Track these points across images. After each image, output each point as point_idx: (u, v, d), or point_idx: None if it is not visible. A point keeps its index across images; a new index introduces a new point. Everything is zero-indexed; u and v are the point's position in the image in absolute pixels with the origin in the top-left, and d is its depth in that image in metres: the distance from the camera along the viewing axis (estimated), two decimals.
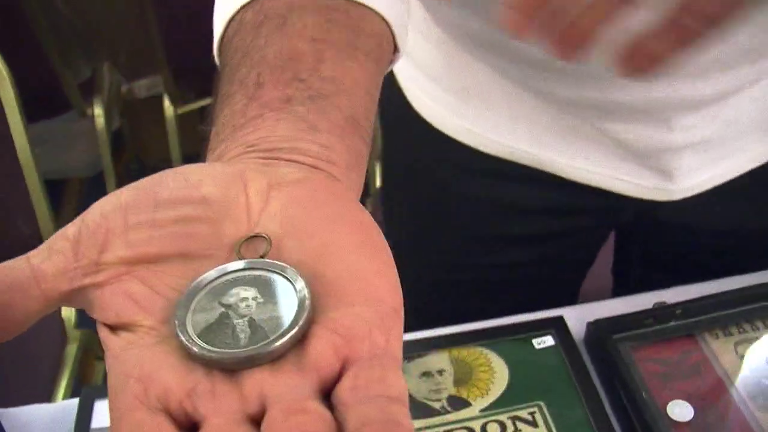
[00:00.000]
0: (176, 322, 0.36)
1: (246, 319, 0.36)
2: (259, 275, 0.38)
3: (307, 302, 0.36)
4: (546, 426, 0.73)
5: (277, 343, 0.35)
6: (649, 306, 0.82)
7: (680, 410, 0.73)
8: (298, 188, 0.41)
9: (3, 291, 0.36)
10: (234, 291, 0.38)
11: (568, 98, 0.78)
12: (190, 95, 2.19)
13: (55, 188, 2.47)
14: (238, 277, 0.38)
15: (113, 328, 0.37)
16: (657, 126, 0.78)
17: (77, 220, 0.39)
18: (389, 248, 0.40)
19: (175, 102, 2.15)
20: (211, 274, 0.38)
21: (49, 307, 0.38)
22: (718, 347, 0.79)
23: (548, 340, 0.81)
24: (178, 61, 2.07)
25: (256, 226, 0.40)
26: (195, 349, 0.35)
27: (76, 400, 0.80)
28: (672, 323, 0.81)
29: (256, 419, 0.33)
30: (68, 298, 0.38)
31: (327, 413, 0.32)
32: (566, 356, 0.79)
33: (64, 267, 0.37)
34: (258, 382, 0.34)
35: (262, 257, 0.39)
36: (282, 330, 0.35)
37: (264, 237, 0.40)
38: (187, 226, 0.39)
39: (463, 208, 0.95)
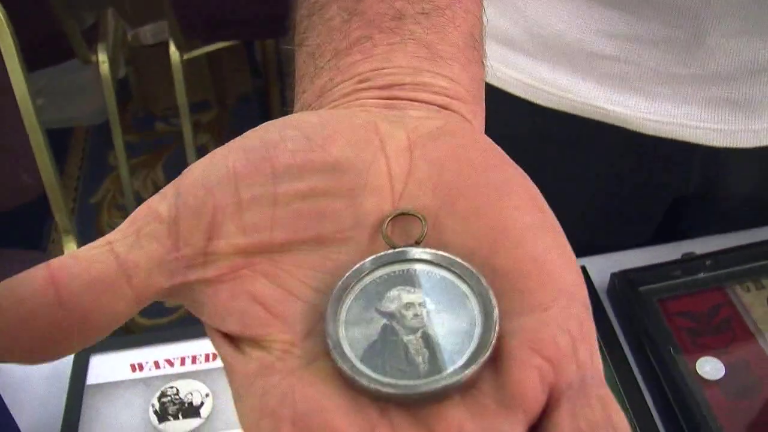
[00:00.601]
0: (329, 341, 0.29)
1: (418, 334, 0.30)
2: (421, 270, 0.31)
3: (496, 310, 0.29)
4: None
5: (470, 370, 0.28)
6: (677, 256, 0.79)
7: (711, 368, 0.70)
8: (441, 143, 0.34)
9: (84, 291, 0.29)
10: (393, 294, 0.31)
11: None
12: (197, 41, 2.13)
13: (60, 137, 2.44)
14: (393, 273, 0.31)
15: (234, 341, 0.31)
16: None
17: (169, 192, 0.31)
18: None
19: (181, 47, 2.08)
20: (364, 266, 0.31)
21: (140, 306, 0.31)
22: (750, 301, 0.75)
23: None
24: (183, 5, 2.01)
25: (403, 199, 0.33)
26: (363, 381, 0.28)
27: (71, 356, 0.76)
28: (701, 275, 0.77)
29: None
30: (168, 294, 0.31)
31: None
32: None
33: (161, 257, 0.30)
34: (453, 424, 0.28)
35: (417, 243, 0.32)
36: (471, 350, 0.29)
37: (417, 216, 0.32)
38: (318, 201, 0.32)
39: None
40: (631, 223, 0.87)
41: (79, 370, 0.76)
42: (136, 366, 0.77)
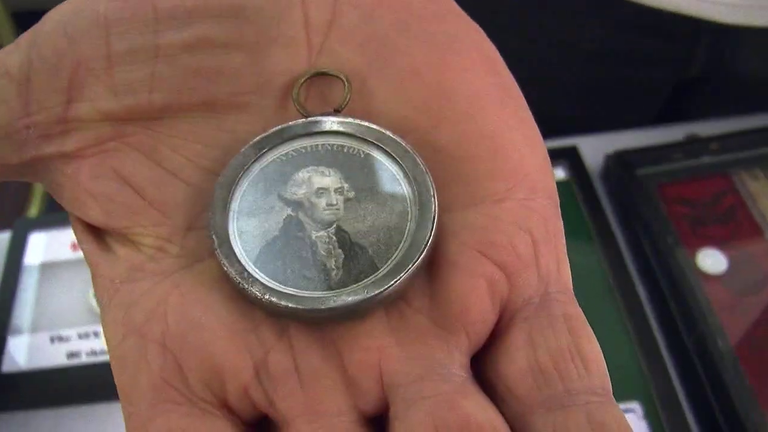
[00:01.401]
0: (213, 236, 0.25)
1: (332, 230, 0.25)
2: (340, 146, 0.27)
3: (435, 201, 0.25)
4: None
5: (398, 279, 0.24)
6: (679, 138, 0.74)
7: (712, 261, 0.65)
8: None
9: None
10: (302, 176, 0.26)
11: None
12: None
13: (29, 22, 2.33)
14: (303, 150, 0.27)
15: (99, 234, 0.27)
16: None
17: (23, 42, 0.26)
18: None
19: None
20: (265, 140, 0.26)
21: None
22: (757, 189, 0.70)
23: (559, 173, 0.72)
24: None
25: (322, 55, 0.27)
26: (256, 290, 0.24)
27: (8, 233, 0.74)
28: (705, 159, 0.72)
29: (370, 418, 0.24)
30: (18, 173, 0.27)
31: (500, 420, 0.22)
32: (579, 192, 0.71)
33: (8, 124, 0.26)
34: (371, 351, 0.24)
35: (337, 112, 0.27)
36: (401, 253, 0.25)
37: (338, 77, 0.27)
38: (212, 55, 0.27)
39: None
40: (630, 102, 0.83)
41: (17, 248, 0.72)
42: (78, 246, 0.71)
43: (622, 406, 0.58)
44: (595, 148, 0.74)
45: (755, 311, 0.62)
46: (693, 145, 0.72)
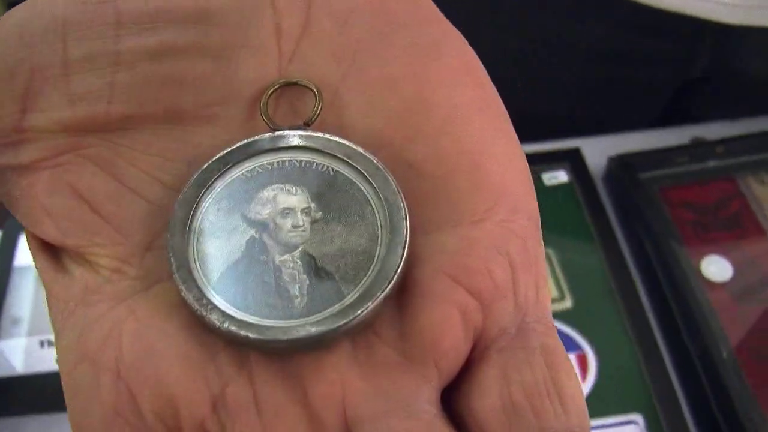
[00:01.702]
0: (172, 258, 0.24)
1: (297, 254, 0.24)
2: (308, 163, 0.25)
3: (406, 222, 0.24)
4: (553, 276, 0.64)
5: (366, 308, 0.23)
6: (684, 141, 0.73)
7: (716, 268, 0.64)
8: None
9: None
10: (267, 195, 0.25)
11: None
12: None
13: None
14: (269, 166, 0.25)
15: (55, 252, 0.25)
16: None
17: None
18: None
19: None
20: (230, 155, 0.25)
21: None
22: (764, 194, 0.69)
23: (561, 176, 0.71)
24: None
25: (293, 64, 0.26)
26: (215, 318, 0.23)
27: None
28: (710, 163, 0.71)
29: None
30: None
31: None
32: (582, 196, 0.69)
33: None
34: (335, 385, 0.22)
35: (306, 125, 0.26)
36: (369, 279, 0.23)
37: (309, 87, 0.26)
38: (176, 63, 0.25)
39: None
40: (632, 104, 0.81)
41: (8, 249, 0.71)
42: None
43: (623, 418, 0.57)
44: (597, 150, 0.73)
45: (761, 321, 0.61)
46: (698, 149, 0.71)
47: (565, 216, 0.68)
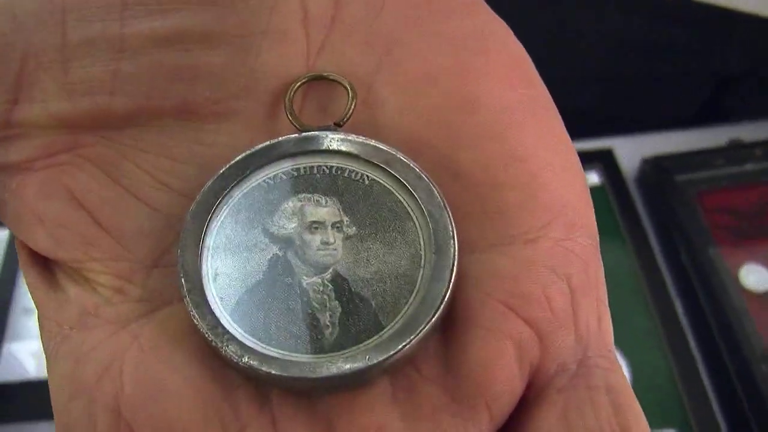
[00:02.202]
0: (183, 278, 0.21)
1: (327, 276, 0.22)
2: (341, 170, 0.23)
3: (454, 243, 0.21)
4: None
5: (407, 342, 0.20)
6: (722, 143, 0.71)
7: (756, 278, 0.61)
8: None
9: None
10: (292, 206, 0.22)
11: None
12: None
13: None
14: (296, 172, 0.23)
15: (48, 266, 0.23)
16: None
17: None
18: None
19: None
20: (251, 158, 0.23)
21: None
22: None
23: (592, 178, 0.69)
24: None
25: (322, 55, 0.24)
26: (232, 350, 0.20)
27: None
28: (748, 166, 0.69)
29: None
30: None
31: None
32: (614, 198, 0.68)
33: None
34: (372, 430, 0.20)
35: (338, 126, 0.23)
36: (411, 308, 0.21)
37: (341, 82, 0.23)
38: (187, 51, 0.23)
39: None
40: (667, 101, 0.80)
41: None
42: None
43: None
44: (630, 151, 0.71)
45: None
46: (736, 151, 0.70)
47: (597, 220, 0.65)
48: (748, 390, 0.55)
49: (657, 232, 0.67)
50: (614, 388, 0.20)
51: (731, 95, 0.80)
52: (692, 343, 0.60)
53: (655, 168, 0.68)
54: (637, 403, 0.20)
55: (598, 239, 0.23)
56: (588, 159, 0.69)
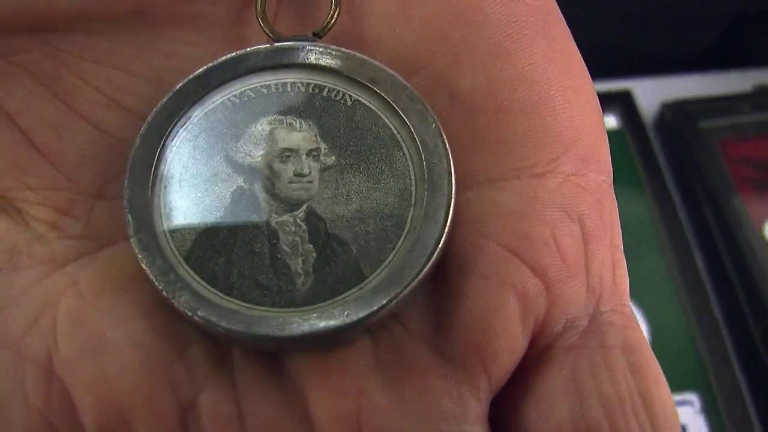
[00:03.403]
0: (129, 213, 0.20)
1: (301, 213, 0.20)
2: (321, 87, 0.21)
3: (451, 178, 0.20)
4: None
5: (395, 299, 0.18)
6: (747, 88, 0.68)
7: None
8: None
9: None
10: (262, 129, 0.20)
11: None
12: None
13: None
14: (269, 88, 0.21)
15: None
16: None
17: None
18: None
19: None
20: (212, 71, 0.21)
21: None
22: None
23: (610, 121, 0.66)
24: None
25: None
26: (184, 302, 0.19)
27: None
28: None
29: None
30: None
31: None
32: (632, 144, 0.65)
33: None
34: (348, 397, 0.19)
35: (317, 36, 0.21)
36: (398, 254, 0.19)
37: None
38: None
39: None
40: (689, 41, 0.77)
41: None
42: None
43: (677, 398, 0.53)
44: (650, 94, 0.68)
45: None
46: (762, 97, 0.67)
47: (614, 166, 0.62)
48: None
49: (677, 182, 0.65)
50: (631, 346, 0.19)
51: (757, 36, 0.77)
52: (713, 301, 0.58)
53: (677, 113, 0.65)
54: (658, 364, 0.19)
55: (612, 176, 0.21)
56: (605, 101, 0.66)
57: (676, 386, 0.53)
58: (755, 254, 0.58)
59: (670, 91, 0.68)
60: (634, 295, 0.56)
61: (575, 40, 0.22)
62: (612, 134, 0.63)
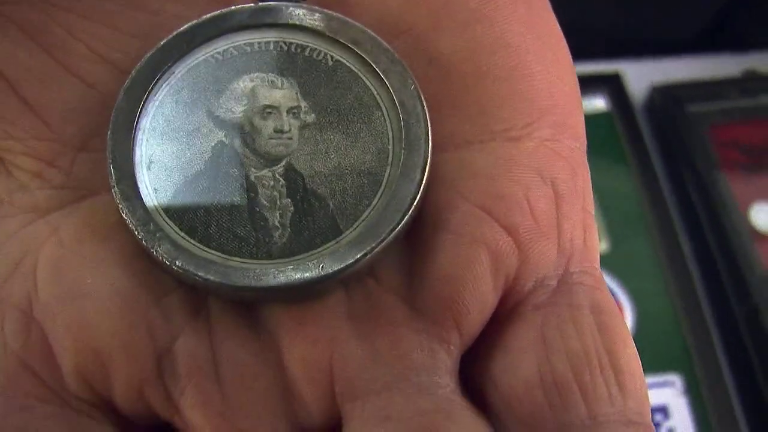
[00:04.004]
0: (111, 165, 0.20)
1: (280, 169, 0.20)
2: (303, 47, 0.21)
3: (427, 139, 0.20)
4: None
5: (369, 253, 0.19)
6: (736, 73, 0.68)
7: (767, 217, 0.60)
8: None
9: None
10: (244, 86, 0.21)
11: None
12: None
13: None
14: (252, 46, 0.21)
15: None
16: None
17: None
18: None
19: None
20: (197, 28, 0.21)
21: None
22: None
23: (598, 103, 0.66)
24: None
25: None
26: (164, 251, 0.19)
27: None
28: (764, 99, 0.66)
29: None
30: None
31: None
32: (621, 125, 0.65)
33: None
34: (320, 346, 0.19)
35: None
36: (374, 210, 0.19)
37: None
38: None
39: None
40: (678, 23, 0.76)
41: None
42: None
43: (660, 378, 0.54)
44: (639, 76, 0.68)
45: None
46: (751, 82, 0.67)
47: (600, 147, 0.64)
48: (756, 336, 0.54)
49: (665, 164, 0.65)
50: (600, 307, 0.19)
51: (748, 21, 0.77)
52: (698, 283, 0.58)
53: (666, 96, 0.65)
54: (626, 324, 0.19)
55: (585, 144, 0.21)
56: (594, 83, 0.67)
57: (660, 367, 0.54)
58: (741, 238, 0.58)
59: (659, 74, 0.67)
60: (620, 276, 0.57)
61: (566, 22, 0.22)
62: (600, 116, 0.65)
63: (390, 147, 0.20)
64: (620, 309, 0.56)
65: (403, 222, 0.19)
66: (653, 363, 0.55)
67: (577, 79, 0.22)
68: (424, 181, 0.19)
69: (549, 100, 0.21)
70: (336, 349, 0.19)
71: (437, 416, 0.18)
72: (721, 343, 0.55)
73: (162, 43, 0.20)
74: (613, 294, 0.55)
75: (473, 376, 0.20)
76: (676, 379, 0.54)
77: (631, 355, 0.19)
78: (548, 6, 0.22)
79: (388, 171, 0.20)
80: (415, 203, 0.19)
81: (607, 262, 0.58)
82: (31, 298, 0.19)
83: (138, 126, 0.20)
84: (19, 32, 0.20)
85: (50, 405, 0.19)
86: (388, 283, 0.20)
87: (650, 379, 0.53)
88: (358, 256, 0.18)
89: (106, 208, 0.20)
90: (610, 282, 0.57)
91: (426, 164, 0.19)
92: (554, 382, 0.18)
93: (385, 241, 0.19)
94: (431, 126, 0.20)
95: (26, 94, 0.20)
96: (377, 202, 0.19)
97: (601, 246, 0.58)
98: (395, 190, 0.19)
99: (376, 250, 0.19)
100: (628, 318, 0.56)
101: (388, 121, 0.20)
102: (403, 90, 0.20)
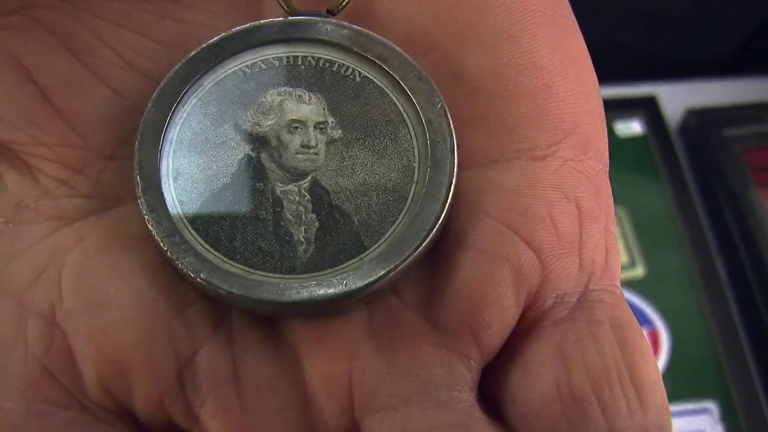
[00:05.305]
0: (138, 175, 0.20)
1: (305, 184, 0.20)
2: (331, 63, 0.21)
3: (453, 157, 0.20)
4: (623, 240, 0.58)
5: (393, 271, 0.19)
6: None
7: None
8: None
9: None
10: (272, 100, 0.21)
11: None
12: None
13: None
14: (280, 60, 0.21)
15: None
16: None
17: None
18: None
19: None
20: (226, 42, 0.21)
21: None
22: None
23: (634, 126, 0.65)
24: None
25: None
26: (188, 263, 0.19)
27: None
28: None
29: None
30: None
31: None
32: (657, 149, 0.64)
33: None
34: (340, 361, 0.19)
35: (331, 13, 0.21)
36: (399, 227, 0.19)
37: None
38: None
39: None
40: (713, 45, 0.76)
41: None
42: None
43: (696, 405, 0.53)
44: (674, 99, 0.67)
45: None
46: None
47: (637, 170, 0.63)
48: None
49: (700, 189, 0.64)
50: (619, 322, 0.19)
51: None
52: (735, 312, 0.57)
53: (701, 120, 0.65)
54: (646, 340, 0.19)
55: (608, 164, 0.22)
56: (630, 106, 0.66)
57: (696, 394, 0.53)
58: None
59: (694, 97, 0.67)
60: (655, 301, 0.57)
61: (600, 44, 0.23)
62: (636, 139, 0.65)
63: (416, 165, 0.20)
64: (657, 335, 0.56)
65: (427, 240, 0.19)
66: (690, 390, 0.54)
67: (601, 101, 0.22)
68: (449, 200, 0.19)
69: (573, 120, 0.21)
70: (356, 364, 0.19)
71: (455, 431, 0.18)
72: (757, 368, 0.55)
73: (191, 55, 0.20)
74: (649, 320, 0.54)
75: (492, 390, 0.20)
76: (712, 406, 0.53)
77: (651, 369, 0.19)
78: (575, 26, 0.22)
79: (413, 189, 0.20)
80: (439, 222, 0.19)
81: (642, 286, 0.57)
82: (54, 305, 0.19)
83: (165, 137, 0.20)
84: (49, 36, 0.21)
85: (70, 411, 0.19)
86: (410, 299, 0.20)
87: (686, 407, 0.53)
88: (382, 273, 0.18)
89: (131, 218, 0.20)
90: (646, 307, 0.57)
91: (451, 183, 0.19)
92: (572, 396, 0.18)
93: (408, 259, 0.19)
94: (458, 144, 0.20)
95: (56, 100, 0.20)
96: (402, 219, 0.19)
97: (637, 271, 0.58)
98: (420, 208, 0.19)
99: (400, 267, 0.19)
100: (665, 344, 0.56)
101: (414, 139, 0.20)
102: (429, 108, 0.20)
